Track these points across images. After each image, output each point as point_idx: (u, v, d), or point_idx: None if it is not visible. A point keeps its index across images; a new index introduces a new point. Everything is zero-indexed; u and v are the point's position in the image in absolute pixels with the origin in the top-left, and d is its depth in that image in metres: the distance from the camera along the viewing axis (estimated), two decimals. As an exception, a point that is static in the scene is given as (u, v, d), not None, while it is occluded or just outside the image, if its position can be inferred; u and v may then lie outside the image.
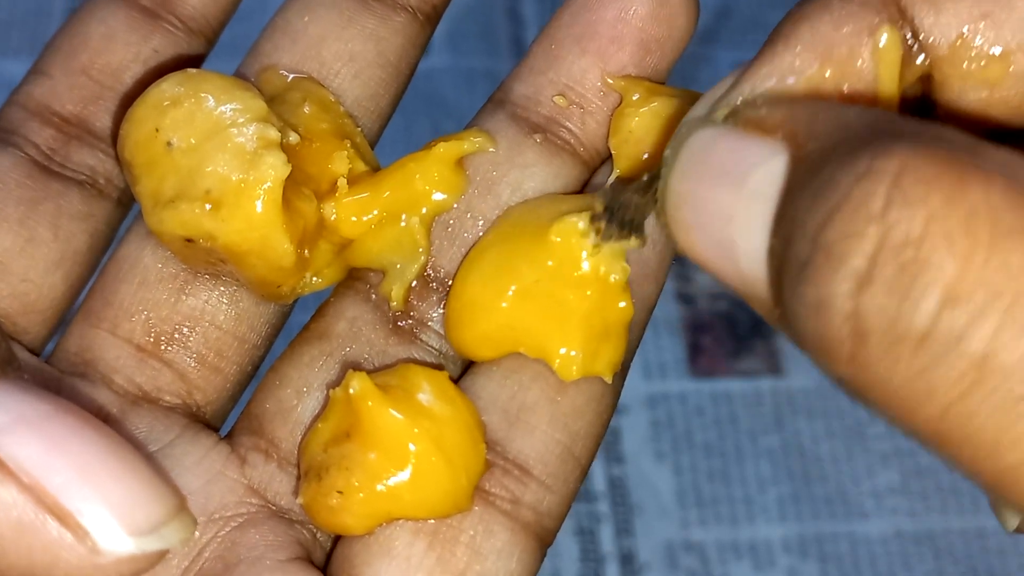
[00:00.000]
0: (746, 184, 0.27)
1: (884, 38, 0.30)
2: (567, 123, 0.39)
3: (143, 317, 0.38)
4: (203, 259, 0.37)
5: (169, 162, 0.36)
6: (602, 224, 0.35)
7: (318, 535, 0.36)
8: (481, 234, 0.38)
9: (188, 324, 0.38)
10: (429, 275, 0.38)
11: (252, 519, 0.36)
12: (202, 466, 0.36)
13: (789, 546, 0.76)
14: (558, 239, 0.36)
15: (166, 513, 0.30)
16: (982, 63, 0.30)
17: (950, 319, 0.22)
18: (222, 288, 0.38)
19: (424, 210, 0.38)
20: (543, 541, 0.36)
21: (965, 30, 0.30)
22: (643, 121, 0.38)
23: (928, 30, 0.30)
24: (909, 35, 0.30)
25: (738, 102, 0.30)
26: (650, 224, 0.35)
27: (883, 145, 0.24)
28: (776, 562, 0.76)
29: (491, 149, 0.39)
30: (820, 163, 0.25)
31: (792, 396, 0.81)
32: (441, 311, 0.38)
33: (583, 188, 0.39)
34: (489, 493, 0.36)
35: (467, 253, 0.38)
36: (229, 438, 0.38)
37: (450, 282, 0.38)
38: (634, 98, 0.38)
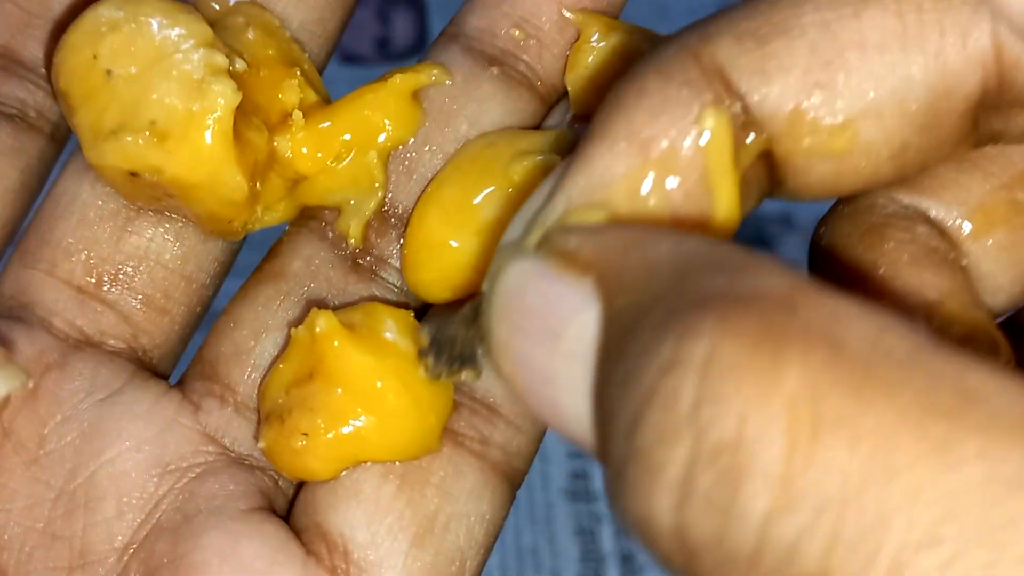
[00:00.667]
0: (561, 342, 0.24)
1: (709, 125, 0.26)
2: (524, 56, 0.38)
3: (83, 256, 0.36)
4: (147, 194, 0.35)
5: (109, 91, 0.34)
6: (430, 360, 0.32)
7: (280, 481, 0.35)
8: (439, 168, 0.37)
9: (132, 263, 0.36)
10: (387, 211, 0.37)
11: (210, 468, 0.34)
12: (153, 414, 0.35)
13: None
14: (518, 178, 0.35)
15: None
16: (824, 136, 0.27)
17: (779, 534, 0.20)
18: (167, 225, 0.36)
19: (381, 144, 0.37)
20: (512, 482, 0.35)
21: (799, 102, 0.26)
22: (600, 57, 0.37)
23: (759, 105, 0.26)
24: (740, 112, 0.26)
25: (552, 222, 0.27)
26: (480, 354, 0.31)
27: (690, 320, 0.21)
28: None
29: (447, 82, 0.37)
30: (629, 331, 0.22)
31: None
32: (401, 248, 0.36)
33: (540, 123, 0.38)
34: (458, 434, 0.35)
35: (423, 189, 0.36)
36: (181, 385, 0.36)
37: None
38: (592, 34, 0.37)
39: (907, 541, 0.19)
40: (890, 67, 0.26)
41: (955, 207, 0.31)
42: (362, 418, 0.33)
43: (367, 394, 0.33)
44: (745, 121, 0.26)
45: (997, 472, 0.19)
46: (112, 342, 0.36)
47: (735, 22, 0.26)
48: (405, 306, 0.36)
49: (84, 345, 0.36)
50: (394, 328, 0.34)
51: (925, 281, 0.29)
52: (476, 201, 0.35)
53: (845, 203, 0.31)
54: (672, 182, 0.26)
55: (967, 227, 0.31)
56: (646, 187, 0.26)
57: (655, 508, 0.21)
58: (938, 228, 0.31)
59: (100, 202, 0.36)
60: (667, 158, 0.26)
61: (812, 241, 0.32)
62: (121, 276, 0.36)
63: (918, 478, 0.19)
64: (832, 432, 0.20)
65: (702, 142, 0.26)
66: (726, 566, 0.20)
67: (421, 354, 0.32)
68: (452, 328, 0.31)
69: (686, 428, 0.20)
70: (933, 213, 0.31)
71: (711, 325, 0.21)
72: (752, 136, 0.27)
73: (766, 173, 0.28)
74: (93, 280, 0.36)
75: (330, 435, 0.33)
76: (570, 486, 0.77)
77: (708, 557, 0.20)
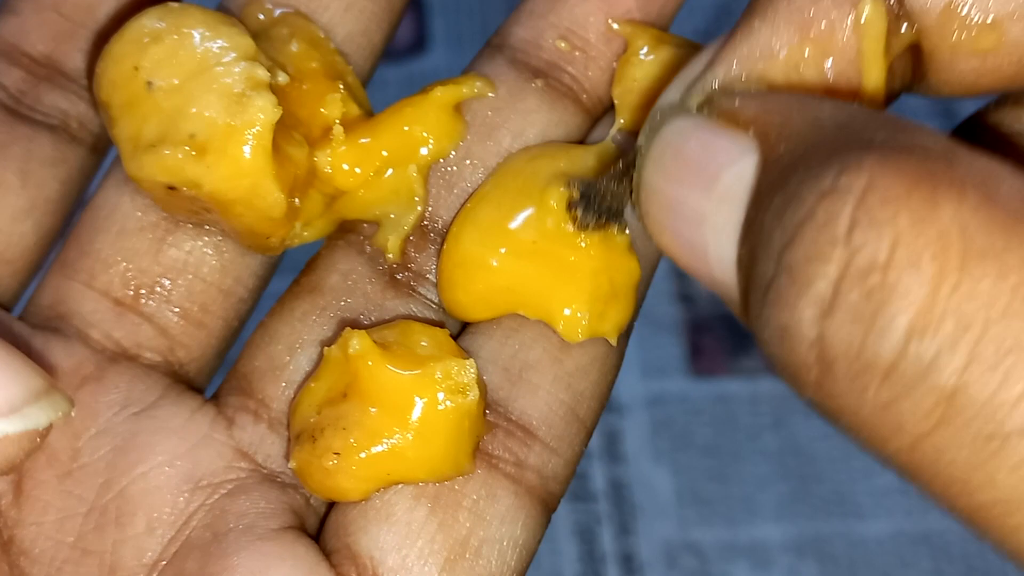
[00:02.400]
0: (717, 186, 0.26)
1: (867, 10, 0.28)
2: (569, 68, 0.37)
3: (121, 268, 0.36)
4: (186, 207, 0.35)
5: (150, 103, 0.34)
6: (579, 212, 0.34)
7: (311, 500, 0.35)
8: (480, 182, 0.36)
9: (170, 276, 0.36)
10: (427, 225, 0.37)
11: (242, 485, 0.34)
12: (188, 429, 0.35)
13: (788, 546, 0.77)
14: (555, 203, 0.35)
15: (28, 394, 0.30)
16: (972, 33, 0.29)
17: (917, 350, 0.21)
18: (206, 238, 0.36)
19: (421, 157, 0.36)
20: (548, 506, 0.35)
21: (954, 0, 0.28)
22: (648, 71, 0.37)
23: (915, 0, 0.29)
24: (894, 3, 0.29)
25: (713, 87, 0.29)
26: (628, 210, 0.34)
27: (851, 158, 0.23)
28: (775, 562, 0.76)
29: (490, 94, 0.37)
30: (789, 170, 0.24)
31: (791, 396, 0.80)
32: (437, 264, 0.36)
33: (585, 137, 0.38)
34: (492, 456, 0.34)
35: (462, 205, 0.36)
36: (215, 399, 0.36)
37: None
38: (640, 47, 0.37)
39: None
40: None
41: None
42: (396, 437, 0.33)
43: (401, 413, 0.33)
44: (900, 12, 0.29)
45: None
46: (148, 355, 0.36)
47: None
48: (440, 324, 0.35)
49: (120, 358, 0.36)
50: (429, 347, 0.34)
51: None
52: (513, 222, 0.35)
53: None
54: (826, 61, 0.29)
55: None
56: (802, 62, 0.28)
57: (799, 318, 0.22)
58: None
59: (139, 214, 0.36)
60: (824, 38, 0.28)
61: (970, 119, 0.34)
62: (159, 289, 0.36)
63: None
64: (979, 264, 0.21)
65: (858, 28, 0.28)
66: (862, 377, 0.22)
67: (570, 206, 0.34)
68: (602, 183, 0.33)
69: (840, 247, 0.22)
70: None
71: (873, 161, 0.22)
72: (904, 27, 0.29)
73: (911, 65, 0.30)
74: (131, 292, 0.36)
75: (363, 454, 0.33)
76: (570, 486, 0.77)
77: (844, 367, 0.22)
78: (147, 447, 0.34)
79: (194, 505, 0.34)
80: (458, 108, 0.37)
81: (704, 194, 0.26)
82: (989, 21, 0.28)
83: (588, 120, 0.38)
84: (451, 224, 0.36)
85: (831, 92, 0.29)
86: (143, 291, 0.36)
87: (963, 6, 0.28)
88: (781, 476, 0.78)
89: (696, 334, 0.82)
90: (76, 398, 0.34)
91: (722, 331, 0.82)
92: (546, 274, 0.35)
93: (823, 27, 0.28)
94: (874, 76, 0.29)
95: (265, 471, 0.35)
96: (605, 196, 0.34)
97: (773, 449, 0.79)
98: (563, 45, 0.37)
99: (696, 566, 0.76)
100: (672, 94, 0.30)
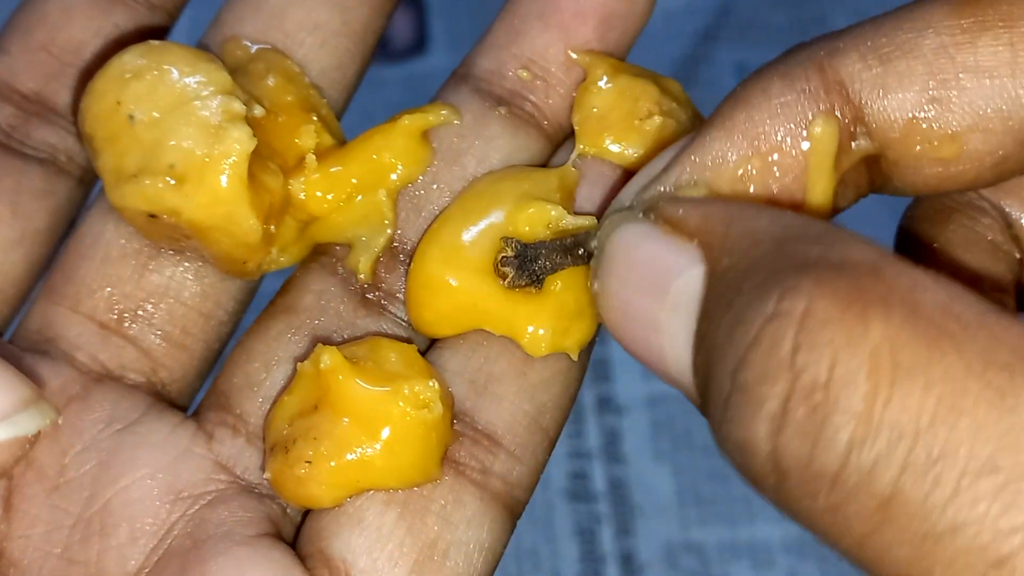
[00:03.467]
0: (668, 296, 0.29)
1: (817, 130, 0.31)
2: (531, 96, 0.40)
3: (106, 293, 0.38)
4: (167, 234, 0.37)
5: (131, 136, 0.36)
6: (509, 271, 0.36)
7: (288, 510, 0.37)
8: (447, 205, 0.38)
9: (152, 300, 0.38)
10: (396, 247, 0.39)
11: (221, 496, 0.36)
12: (168, 443, 0.37)
13: (789, 546, 0.77)
14: (527, 228, 0.37)
15: (18, 400, 0.33)
16: (935, 142, 0.31)
17: (858, 460, 0.24)
18: (186, 264, 0.39)
19: (391, 182, 0.38)
20: (513, 512, 0.37)
21: (915, 114, 0.31)
22: (606, 98, 0.39)
23: (877, 115, 0.31)
24: (849, 122, 0.31)
25: (662, 192, 0.32)
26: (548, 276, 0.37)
27: (789, 282, 0.25)
28: (776, 562, 0.76)
29: (456, 121, 0.39)
30: (733, 288, 0.27)
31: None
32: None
33: (547, 162, 0.40)
34: (459, 463, 0.36)
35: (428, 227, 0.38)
36: (196, 415, 0.38)
37: None
38: (599, 76, 0.39)
39: (968, 468, 0.23)
40: (999, 89, 0.30)
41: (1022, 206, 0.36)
42: (364, 447, 0.35)
43: (369, 424, 0.35)
44: (854, 130, 0.31)
45: None
46: (132, 376, 0.38)
47: (861, 40, 0.31)
48: (408, 340, 0.37)
49: (105, 378, 0.38)
50: (396, 361, 0.36)
51: (967, 260, 0.35)
52: (475, 241, 0.37)
53: None
54: (774, 174, 0.31)
55: None
56: (750, 175, 0.31)
57: (755, 434, 0.25)
58: (1007, 223, 0.36)
59: (123, 242, 0.38)
60: (774, 153, 0.31)
61: (902, 219, 0.37)
62: (141, 313, 0.38)
63: (980, 418, 0.23)
64: (908, 377, 0.24)
65: (807, 146, 0.31)
66: (812, 484, 0.24)
67: (504, 261, 0.36)
68: (543, 249, 0.36)
69: (785, 370, 0.25)
70: (1008, 210, 0.36)
71: (809, 285, 0.25)
72: (859, 143, 0.32)
73: (867, 175, 0.33)
74: (115, 316, 0.38)
75: (332, 463, 0.35)
76: (570, 486, 0.78)
77: (797, 476, 0.25)
78: (130, 461, 0.36)
79: (175, 515, 0.36)
80: (425, 135, 0.39)
81: (657, 303, 0.29)
82: (950, 133, 0.31)
83: (550, 145, 0.40)
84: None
85: (775, 203, 0.32)
86: (127, 315, 0.38)
87: (925, 122, 0.31)
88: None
89: None
90: (63, 416, 0.36)
91: None
92: (509, 292, 0.37)
93: (774, 143, 0.31)
94: (819, 191, 0.32)
95: (243, 483, 0.36)
96: (541, 261, 0.36)
97: (773, 448, 0.79)
98: (525, 74, 0.39)
99: (696, 566, 0.76)
100: (626, 196, 0.33)
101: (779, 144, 0.31)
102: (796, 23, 0.94)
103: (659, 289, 0.29)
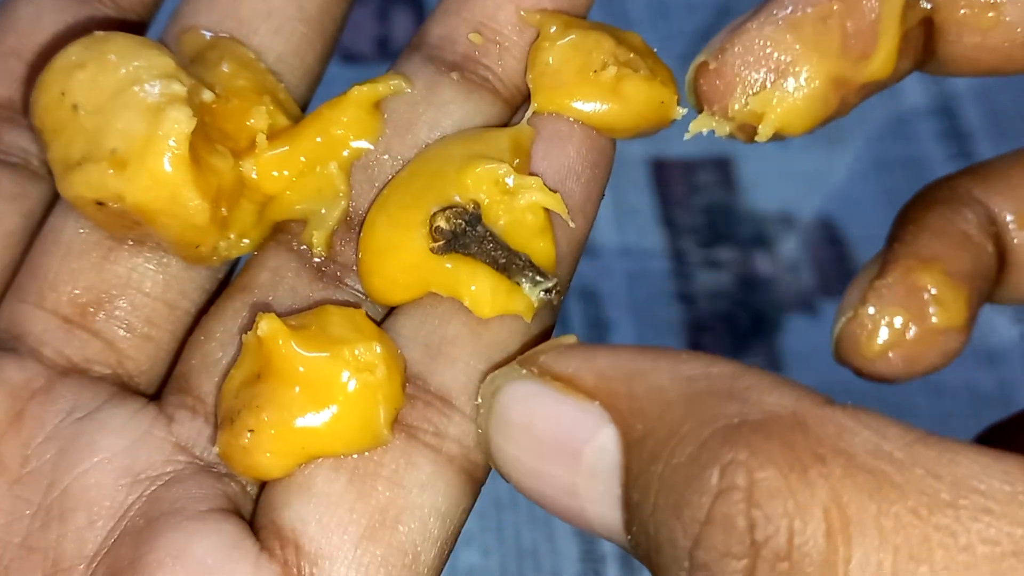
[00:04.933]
0: (581, 462, 0.29)
1: None
2: (484, 60, 0.39)
3: (68, 288, 0.39)
4: (119, 223, 0.37)
5: (76, 125, 0.36)
6: (439, 243, 0.36)
7: (248, 487, 0.37)
8: None
9: (115, 292, 0.38)
10: (351, 219, 0.39)
11: (178, 476, 0.36)
12: (128, 427, 0.37)
13: None
14: (471, 183, 0.37)
15: None
16: (976, 10, 0.33)
17: None
18: (148, 255, 0.39)
19: (343, 156, 0.38)
20: (472, 476, 0.36)
21: None
22: (560, 53, 0.38)
23: None
24: None
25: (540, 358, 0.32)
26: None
27: (725, 456, 0.26)
28: None
29: (408, 90, 0.39)
30: (656, 455, 0.28)
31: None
32: None
33: (507, 124, 0.39)
34: (412, 427, 0.36)
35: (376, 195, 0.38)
36: (158, 400, 0.38)
37: None
38: (550, 32, 0.38)
39: None
40: None
41: (1009, 205, 0.39)
42: (308, 414, 0.34)
43: (312, 389, 0.34)
44: None
45: (1000, 549, 0.24)
46: (98, 368, 0.38)
47: None
48: (356, 305, 0.37)
49: (71, 371, 0.38)
50: (343, 326, 0.35)
51: (935, 248, 0.37)
52: (421, 203, 0.37)
53: (933, 183, 0.40)
54: (849, 20, 0.34)
55: (1012, 223, 0.39)
56: (833, 13, 0.34)
57: None
58: (991, 220, 0.39)
59: (83, 234, 0.39)
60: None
61: (900, 210, 0.40)
62: (105, 305, 0.38)
63: (940, 562, 0.25)
64: (862, 533, 0.25)
65: None
66: None
67: (436, 232, 0.36)
68: (473, 245, 0.36)
69: (746, 546, 0.26)
70: (993, 208, 0.39)
71: (745, 457, 0.26)
72: (922, 2, 0.34)
73: (923, 39, 0.35)
74: (78, 310, 0.38)
75: (273, 431, 0.34)
76: None
77: None
78: (88, 446, 0.36)
79: (132, 497, 0.35)
80: (376, 106, 0.39)
81: (571, 470, 0.30)
82: (992, 1, 0.33)
83: (507, 109, 0.39)
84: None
85: (847, 50, 0.34)
86: (90, 308, 0.38)
87: None
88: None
89: (696, 334, 0.81)
90: (26, 410, 0.37)
91: (722, 331, 0.82)
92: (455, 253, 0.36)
93: None
94: (887, 40, 0.33)
95: (202, 463, 0.36)
96: (471, 249, 0.36)
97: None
98: (476, 38, 0.39)
99: None
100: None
101: None
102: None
103: (570, 456, 0.30)
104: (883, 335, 0.37)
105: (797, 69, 0.34)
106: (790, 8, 0.33)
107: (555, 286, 0.36)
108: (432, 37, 0.40)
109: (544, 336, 0.37)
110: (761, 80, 0.34)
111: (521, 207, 0.36)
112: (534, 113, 0.38)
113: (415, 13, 0.93)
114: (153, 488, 0.36)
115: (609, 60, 0.37)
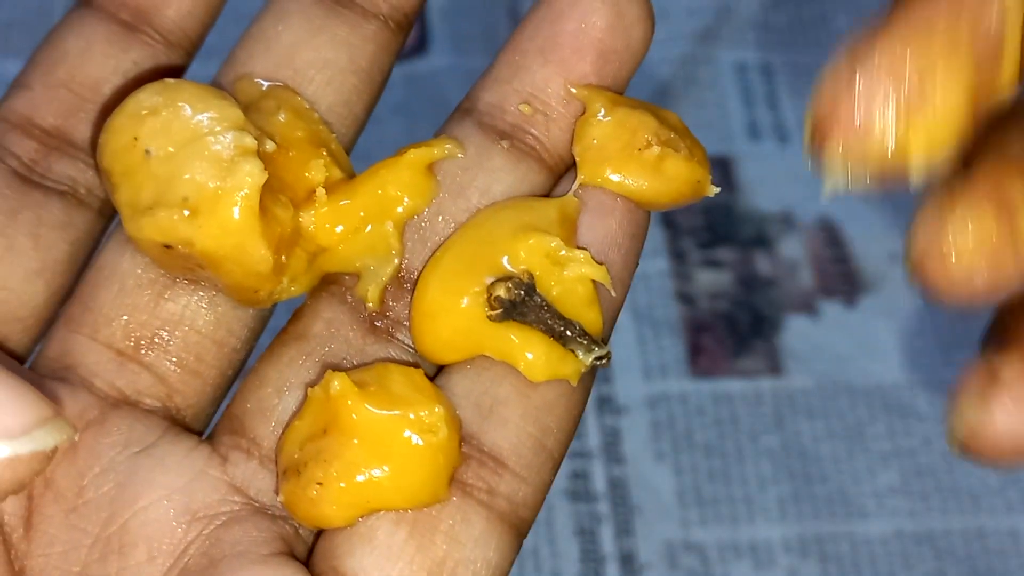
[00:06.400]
0: None
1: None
2: (532, 130, 0.42)
3: (122, 322, 0.40)
4: (181, 265, 0.39)
5: (147, 170, 0.38)
6: (496, 312, 0.39)
7: (300, 530, 0.39)
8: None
9: (167, 328, 0.40)
10: (403, 276, 0.41)
11: (235, 516, 0.38)
12: (184, 465, 0.39)
13: (789, 546, 0.78)
14: (523, 253, 0.39)
15: (37, 417, 0.35)
16: None
17: None
18: (200, 293, 0.41)
19: (397, 214, 0.41)
20: (519, 531, 0.38)
21: None
22: (605, 130, 0.41)
23: None
24: None
25: None
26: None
27: None
28: (776, 562, 0.77)
29: (460, 155, 0.41)
30: None
31: (792, 396, 0.83)
32: None
33: (549, 193, 0.42)
34: (466, 484, 0.38)
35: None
36: (211, 439, 0.40)
37: None
38: (597, 108, 0.41)
39: None
40: None
41: None
42: (373, 469, 0.37)
43: (377, 447, 0.37)
44: None
45: None
46: (148, 401, 0.40)
47: None
48: (416, 366, 0.39)
49: (122, 403, 0.40)
50: (404, 385, 0.38)
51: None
52: (478, 268, 0.39)
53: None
54: (976, 27, 0.32)
55: None
56: (953, 32, 0.32)
57: None
58: None
59: (139, 271, 0.41)
60: (975, 15, 0.32)
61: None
62: (157, 340, 0.40)
63: None
64: None
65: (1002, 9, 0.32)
66: None
67: (495, 301, 0.38)
68: (531, 315, 0.38)
69: None
70: None
71: None
72: None
73: None
74: (131, 344, 0.40)
75: (342, 484, 0.37)
76: (570, 486, 0.79)
77: None
78: (147, 483, 0.38)
79: (191, 535, 0.37)
80: (430, 168, 0.41)
81: None
82: None
83: (552, 177, 0.42)
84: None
85: (977, 60, 0.32)
86: (143, 343, 0.40)
87: None
88: (782, 476, 0.79)
89: (696, 334, 0.83)
90: (80, 440, 0.38)
91: (722, 331, 0.83)
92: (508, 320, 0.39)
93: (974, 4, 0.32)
94: (1012, 54, 0.32)
95: (257, 504, 0.38)
96: (529, 318, 0.39)
97: (774, 449, 0.80)
98: (526, 108, 0.41)
99: (697, 566, 0.77)
100: None
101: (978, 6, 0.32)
102: (796, 23, 0.95)
103: None
104: (970, 240, 0.33)
105: (933, 90, 0.33)
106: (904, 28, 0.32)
107: (607, 354, 0.39)
108: (483, 104, 0.42)
109: (585, 395, 0.40)
110: (896, 109, 0.33)
111: (571, 278, 0.39)
112: (580, 185, 0.40)
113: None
114: (211, 527, 0.38)
115: (653, 139, 0.40)
